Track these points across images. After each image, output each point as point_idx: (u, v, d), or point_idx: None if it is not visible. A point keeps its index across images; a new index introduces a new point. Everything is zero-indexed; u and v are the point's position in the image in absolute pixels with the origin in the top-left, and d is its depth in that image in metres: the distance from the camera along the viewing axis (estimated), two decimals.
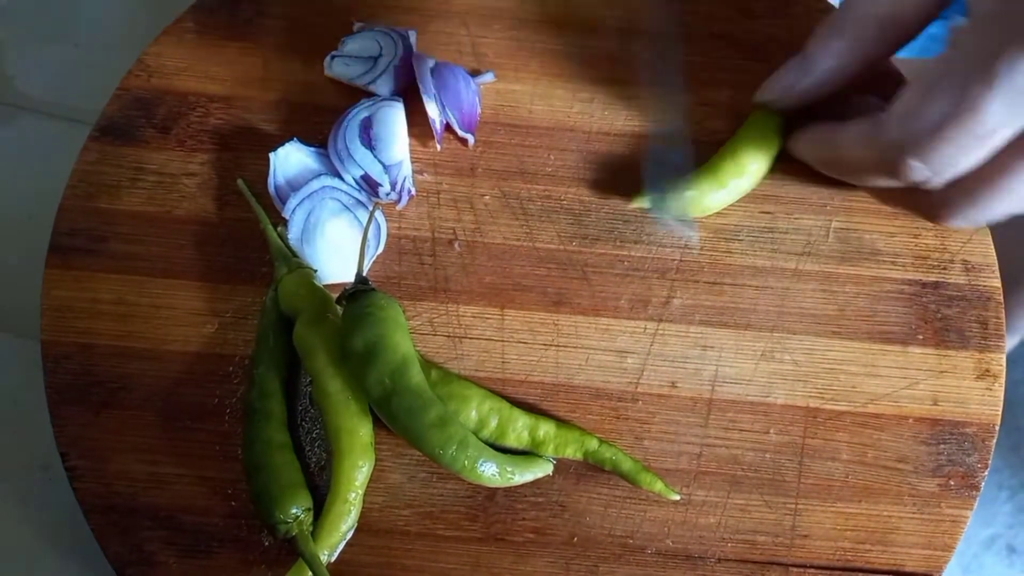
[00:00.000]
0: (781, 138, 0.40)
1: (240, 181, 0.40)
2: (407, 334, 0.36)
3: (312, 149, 0.41)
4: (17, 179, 0.45)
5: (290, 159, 0.40)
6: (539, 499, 0.37)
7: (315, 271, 0.38)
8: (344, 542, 0.35)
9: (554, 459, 0.37)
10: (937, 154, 0.30)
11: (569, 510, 0.37)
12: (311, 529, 0.35)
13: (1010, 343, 0.81)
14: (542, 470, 0.36)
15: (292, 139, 0.41)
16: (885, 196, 0.37)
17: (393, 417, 0.34)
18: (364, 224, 0.40)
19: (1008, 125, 0.28)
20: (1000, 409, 0.38)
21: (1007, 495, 0.98)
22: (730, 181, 0.39)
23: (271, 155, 0.40)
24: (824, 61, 0.35)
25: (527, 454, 0.37)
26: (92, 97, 0.43)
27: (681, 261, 0.40)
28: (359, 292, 0.36)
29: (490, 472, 0.35)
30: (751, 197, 0.41)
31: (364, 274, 0.37)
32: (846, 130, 0.34)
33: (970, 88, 0.28)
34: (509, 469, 0.35)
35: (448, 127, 0.41)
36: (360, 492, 0.35)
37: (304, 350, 0.36)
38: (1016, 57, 0.27)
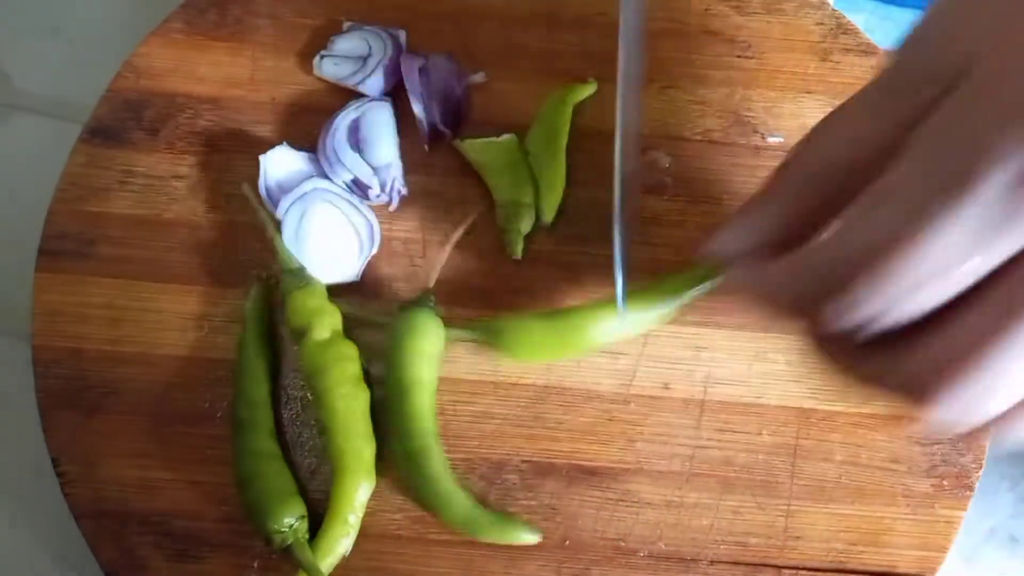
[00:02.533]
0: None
1: (245, 186, 0.40)
2: (430, 360, 0.37)
3: (302, 153, 0.41)
4: (13, 178, 0.45)
5: (280, 162, 0.40)
6: (531, 502, 0.37)
7: (323, 285, 0.38)
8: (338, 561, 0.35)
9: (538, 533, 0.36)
10: (881, 282, 0.22)
11: (561, 513, 0.37)
12: (307, 537, 0.34)
13: None
14: (522, 538, 0.35)
15: (282, 143, 0.40)
16: (837, 360, 0.26)
17: (389, 425, 0.36)
18: (356, 224, 0.40)
19: (970, 257, 0.21)
20: None
21: (1008, 485, 0.98)
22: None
23: (261, 158, 0.40)
24: (761, 225, 0.27)
25: (507, 516, 0.36)
26: (90, 95, 0.42)
27: (672, 261, 0.40)
28: (413, 306, 0.37)
29: (449, 516, 0.35)
30: (743, 196, 0.40)
31: (430, 287, 0.38)
32: (773, 263, 0.25)
33: (927, 206, 0.21)
34: (474, 522, 0.35)
35: (435, 126, 0.41)
36: (359, 514, 0.35)
37: (313, 368, 0.36)
38: (995, 162, 0.20)
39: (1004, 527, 0.68)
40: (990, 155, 0.20)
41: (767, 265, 0.26)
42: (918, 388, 0.22)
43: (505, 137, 0.40)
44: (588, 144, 0.42)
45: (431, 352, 0.37)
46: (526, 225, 0.40)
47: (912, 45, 0.24)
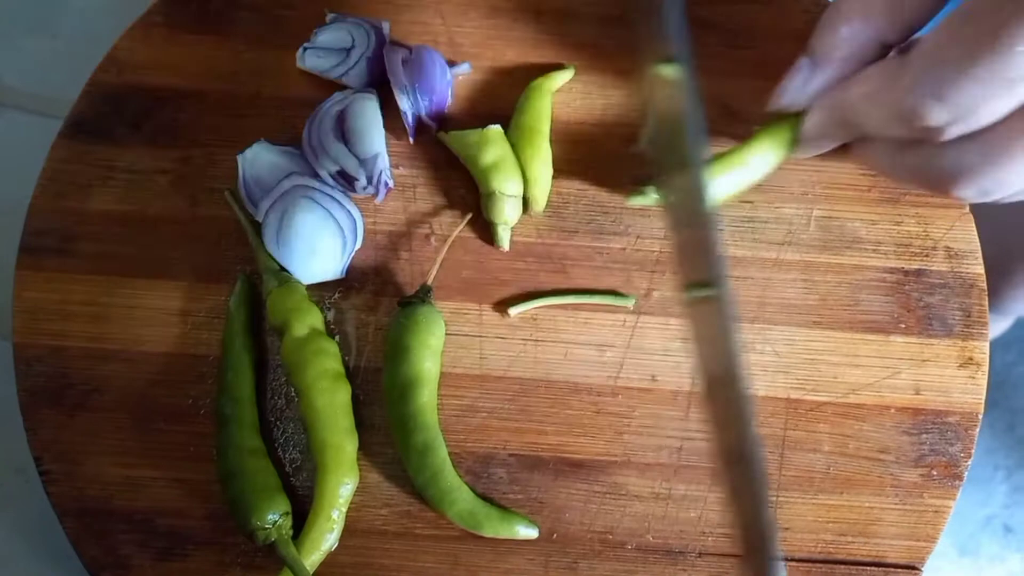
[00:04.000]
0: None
1: (228, 193, 0.39)
2: (434, 354, 0.37)
3: (281, 148, 0.40)
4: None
5: (259, 160, 0.40)
6: (518, 496, 0.37)
7: (303, 284, 0.38)
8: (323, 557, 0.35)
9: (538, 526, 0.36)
10: (960, 94, 0.27)
11: (548, 506, 0.36)
12: (290, 533, 0.34)
13: (1003, 326, 0.80)
14: (521, 532, 0.36)
15: (260, 140, 0.40)
16: (892, 165, 0.32)
17: (391, 421, 0.36)
18: (339, 220, 0.39)
19: None
20: (983, 397, 0.38)
21: (1003, 475, 0.98)
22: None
23: (239, 157, 0.39)
24: (832, 53, 0.32)
25: (508, 511, 0.36)
26: (75, 91, 0.42)
27: (660, 253, 0.40)
28: (414, 302, 0.37)
29: (455, 511, 0.35)
30: None
31: (428, 283, 0.38)
32: (861, 78, 0.31)
33: (1005, 25, 0.25)
34: (478, 516, 0.35)
35: (419, 118, 0.41)
36: (343, 509, 0.35)
37: (293, 365, 0.36)
38: None
39: (999, 517, 0.68)
40: None
41: (851, 85, 0.31)
42: (952, 176, 0.29)
43: (490, 128, 0.40)
44: (570, 135, 0.41)
45: (435, 346, 0.37)
46: (513, 217, 0.39)
47: None
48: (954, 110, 0.27)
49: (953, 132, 0.28)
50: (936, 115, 0.28)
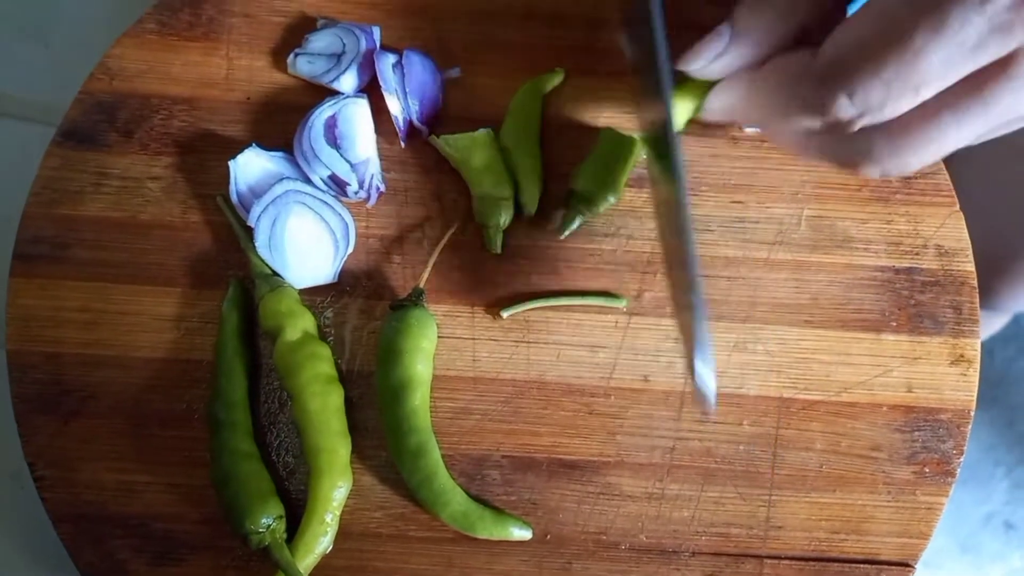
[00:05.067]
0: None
1: (219, 198, 0.40)
2: (427, 357, 0.37)
3: (272, 153, 0.40)
4: None
5: (250, 165, 0.40)
6: (511, 497, 0.37)
7: (295, 288, 0.38)
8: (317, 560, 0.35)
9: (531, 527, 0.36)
10: (869, 94, 0.28)
11: (541, 508, 0.37)
12: (284, 537, 0.34)
13: (999, 323, 0.80)
14: (515, 534, 0.36)
15: (251, 145, 0.40)
16: (800, 145, 0.33)
17: (384, 424, 0.36)
18: (331, 224, 0.40)
19: (943, 78, 0.27)
20: (975, 394, 0.38)
21: (1003, 472, 0.98)
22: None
23: (230, 163, 0.39)
24: (753, 32, 0.33)
25: (502, 512, 0.36)
26: (68, 98, 0.42)
27: (652, 254, 0.40)
28: (406, 305, 0.37)
29: (449, 512, 0.35)
30: (721, 187, 0.40)
31: (420, 286, 0.38)
32: (773, 66, 0.32)
33: (916, 35, 0.26)
34: (472, 517, 0.35)
35: (410, 122, 0.41)
36: (337, 513, 0.35)
37: (285, 369, 0.36)
38: (969, 9, 0.25)
39: (999, 514, 0.68)
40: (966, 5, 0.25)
41: (762, 71, 0.32)
42: (868, 152, 0.30)
43: (480, 132, 0.40)
44: (561, 137, 0.41)
45: (427, 349, 0.37)
46: (505, 220, 0.39)
47: None
48: (861, 107, 0.28)
49: (860, 124, 0.29)
50: (844, 110, 0.29)
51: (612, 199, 0.39)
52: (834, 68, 0.29)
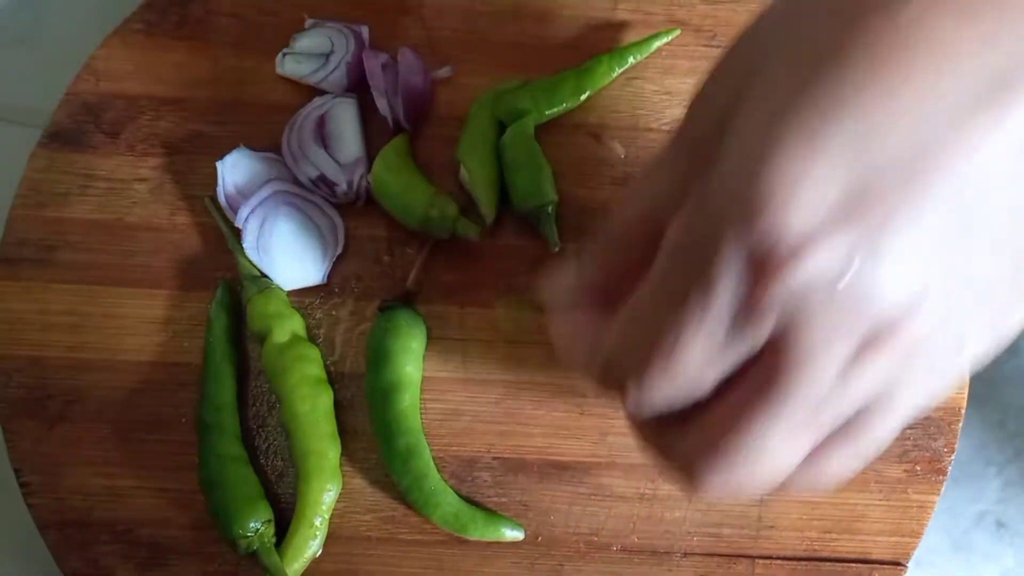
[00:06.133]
0: None
1: (207, 200, 0.39)
2: (416, 358, 0.37)
3: (261, 154, 0.40)
4: None
5: (238, 167, 0.40)
6: (502, 499, 0.36)
7: (284, 290, 0.38)
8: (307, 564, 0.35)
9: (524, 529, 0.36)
10: (649, 385, 0.21)
11: (532, 509, 0.36)
12: (273, 541, 0.34)
13: None
14: (507, 535, 0.35)
15: (238, 146, 0.40)
16: (638, 434, 0.25)
17: (374, 426, 0.36)
18: (320, 225, 0.39)
19: (716, 364, 0.20)
20: (966, 392, 0.38)
21: (995, 471, 0.98)
22: None
23: (218, 164, 0.39)
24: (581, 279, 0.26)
25: (493, 513, 0.36)
26: (55, 100, 0.41)
27: None
28: (394, 306, 0.37)
29: (440, 514, 0.35)
30: None
31: (409, 286, 0.38)
32: (567, 324, 0.25)
33: (666, 325, 0.20)
34: (463, 519, 0.35)
35: (397, 122, 0.41)
36: (326, 516, 0.35)
37: (273, 371, 0.36)
38: (713, 284, 0.19)
39: (991, 512, 0.68)
40: (719, 253, 0.19)
41: (573, 326, 0.25)
42: (689, 469, 0.22)
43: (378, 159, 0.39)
44: (565, 138, 0.41)
45: (416, 350, 0.37)
46: (462, 229, 0.38)
47: (704, 89, 0.22)
48: (641, 397, 0.22)
49: (647, 413, 0.22)
50: (629, 394, 0.22)
51: (548, 199, 0.39)
52: (617, 347, 0.22)
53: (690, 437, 0.22)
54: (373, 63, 0.40)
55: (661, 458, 0.23)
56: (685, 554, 0.36)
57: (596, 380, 0.24)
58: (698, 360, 0.20)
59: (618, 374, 0.22)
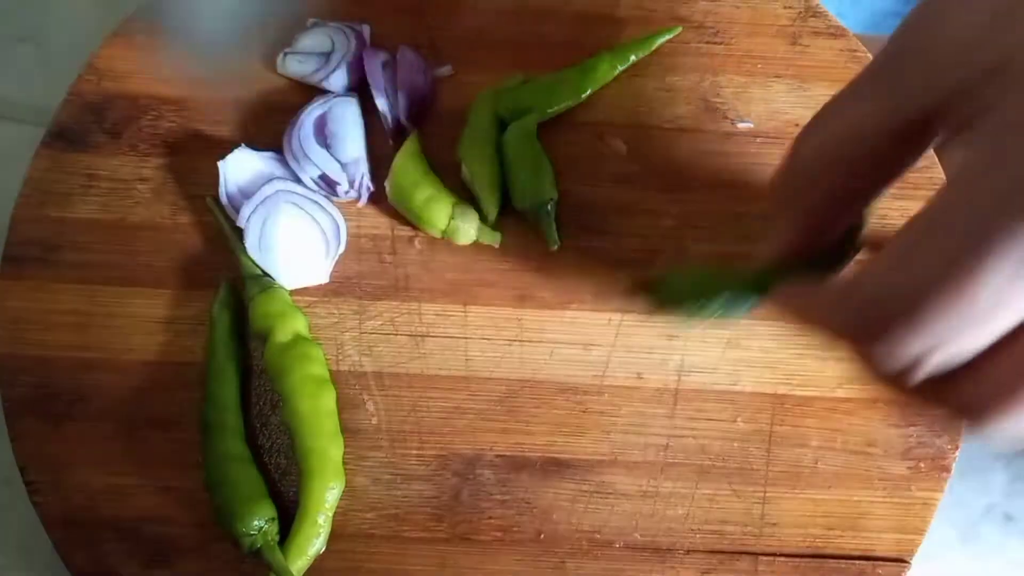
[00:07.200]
0: None
1: (209, 199, 0.39)
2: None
3: (263, 153, 0.40)
4: None
5: (241, 166, 0.40)
6: (505, 497, 0.36)
7: (286, 289, 0.38)
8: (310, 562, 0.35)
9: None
10: (928, 326, 0.21)
11: (535, 507, 0.36)
12: (276, 539, 0.34)
13: None
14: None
15: (240, 145, 0.40)
16: (911, 390, 0.25)
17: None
18: (322, 224, 0.39)
19: (1012, 304, 0.21)
20: None
21: (1002, 464, 0.98)
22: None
23: (220, 164, 0.39)
24: (784, 234, 0.28)
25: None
26: (58, 99, 0.42)
27: (644, 251, 0.40)
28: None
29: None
30: (716, 184, 0.40)
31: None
32: (820, 291, 0.26)
33: (960, 259, 0.20)
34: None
35: (398, 121, 0.41)
36: (329, 514, 0.35)
37: (276, 370, 0.36)
38: (1016, 225, 0.20)
39: (999, 505, 0.68)
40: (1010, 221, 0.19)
41: (813, 292, 0.26)
42: (978, 411, 0.22)
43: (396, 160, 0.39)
44: (567, 135, 0.41)
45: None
46: (469, 234, 0.39)
47: (919, 25, 0.23)
48: (926, 341, 0.22)
49: (937, 364, 0.23)
50: (908, 345, 0.22)
51: (548, 196, 0.38)
52: (882, 293, 0.22)
53: (982, 381, 0.22)
54: (374, 62, 0.40)
55: (929, 402, 0.24)
56: (688, 551, 0.36)
57: (843, 329, 0.24)
58: (992, 299, 0.20)
59: (881, 315, 0.22)
